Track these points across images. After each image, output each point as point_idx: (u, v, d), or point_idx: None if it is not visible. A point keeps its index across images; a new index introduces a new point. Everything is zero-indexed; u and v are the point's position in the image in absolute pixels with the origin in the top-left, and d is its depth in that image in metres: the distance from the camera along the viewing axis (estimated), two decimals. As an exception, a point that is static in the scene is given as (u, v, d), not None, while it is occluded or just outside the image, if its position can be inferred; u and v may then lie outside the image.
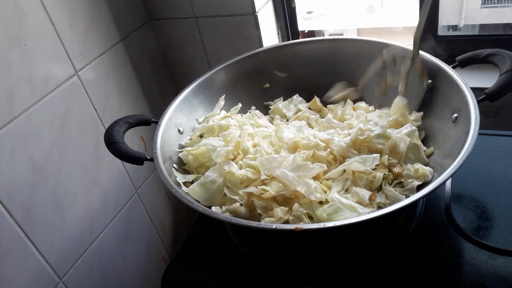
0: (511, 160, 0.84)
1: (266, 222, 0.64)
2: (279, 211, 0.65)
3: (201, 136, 0.84)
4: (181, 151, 0.79)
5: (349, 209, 0.63)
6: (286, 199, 0.68)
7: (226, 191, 0.70)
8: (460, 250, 0.69)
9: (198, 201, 0.69)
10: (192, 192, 0.70)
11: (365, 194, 0.66)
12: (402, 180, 0.70)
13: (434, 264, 0.68)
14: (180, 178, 0.73)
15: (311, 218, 0.65)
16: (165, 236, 1.26)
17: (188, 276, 0.77)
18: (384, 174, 0.70)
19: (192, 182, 0.74)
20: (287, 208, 0.66)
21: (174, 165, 0.76)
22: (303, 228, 0.55)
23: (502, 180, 0.79)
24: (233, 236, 0.80)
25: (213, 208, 0.68)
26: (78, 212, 0.95)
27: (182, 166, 0.79)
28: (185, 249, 0.83)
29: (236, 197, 0.69)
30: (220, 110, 0.88)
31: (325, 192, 0.68)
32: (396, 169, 0.70)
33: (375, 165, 0.69)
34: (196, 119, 0.87)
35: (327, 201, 0.66)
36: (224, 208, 0.69)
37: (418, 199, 0.56)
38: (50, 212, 0.88)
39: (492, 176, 0.80)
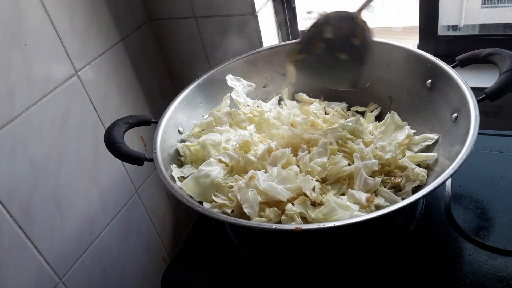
0: (511, 160, 0.84)
1: (259, 222, 0.64)
2: (270, 212, 0.65)
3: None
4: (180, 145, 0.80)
5: (343, 208, 0.63)
6: (277, 202, 0.68)
7: (214, 198, 0.70)
8: (460, 250, 0.69)
9: (191, 197, 0.69)
10: (185, 187, 0.70)
11: (362, 195, 0.66)
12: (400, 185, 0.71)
13: (434, 264, 0.68)
14: (176, 172, 0.73)
15: (304, 219, 0.64)
16: (165, 236, 1.26)
17: (188, 276, 0.77)
18: (383, 178, 0.70)
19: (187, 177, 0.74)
20: (279, 211, 0.66)
21: (174, 165, 0.76)
22: (303, 228, 0.55)
23: (502, 180, 0.79)
24: (233, 236, 0.80)
25: (204, 204, 0.68)
26: (78, 212, 0.95)
27: (178, 157, 0.79)
28: (185, 249, 0.83)
29: (226, 202, 0.69)
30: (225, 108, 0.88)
31: (322, 194, 0.68)
32: (395, 179, 0.71)
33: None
34: (202, 116, 0.88)
35: (322, 203, 0.66)
36: (214, 203, 0.69)
37: (418, 199, 0.56)
38: (50, 212, 0.88)
39: (492, 176, 0.80)
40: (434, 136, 0.74)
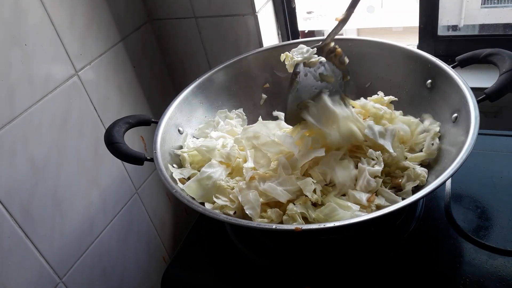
0: (511, 160, 0.84)
1: (261, 222, 0.64)
2: (272, 213, 0.66)
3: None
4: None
5: (344, 209, 0.63)
6: (278, 203, 0.68)
7: (215, 200, 0.70)
8: (460, 250, 0.69)
9: (193, 198, 0.69)
10: (188, 189, 0.70)
11: (362, 196, 0.66)
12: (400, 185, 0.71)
13: (434, 264, 0.68)
14: (176, 174, 0.73)
15: (305, 219, 0.65)
16: (165, 236, 1.26)
17: (188, 276, 0.77)
18: (383, 179, 0.70)
19: (188, 178, 0.74)
20: (281, 212, 0.66)
21: (174, 165, 0.76)
22: (303, 228, 0.55)
23: (502, 180, 0.79)
24: (233, 236, 0.80)
25: (206, 205, 0.68)
26: (78, 212, 0.95)
27: (177, 157, 0.79)
28: (185, 249, 0.83)
29: (227, 203, 0.69)
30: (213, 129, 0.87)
31: (323, 195, 0.68)
32: (396, 179, 0.71)
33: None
34: (205, 116, 0.88)
35: (323, 204, 0.66)
36: (216, 205, 0.69)
37: (419, 199, 0.56)
38: (50, 212, 0.88)
39: (492, 176, 0.80)
40: (436, 128, 0.74)
